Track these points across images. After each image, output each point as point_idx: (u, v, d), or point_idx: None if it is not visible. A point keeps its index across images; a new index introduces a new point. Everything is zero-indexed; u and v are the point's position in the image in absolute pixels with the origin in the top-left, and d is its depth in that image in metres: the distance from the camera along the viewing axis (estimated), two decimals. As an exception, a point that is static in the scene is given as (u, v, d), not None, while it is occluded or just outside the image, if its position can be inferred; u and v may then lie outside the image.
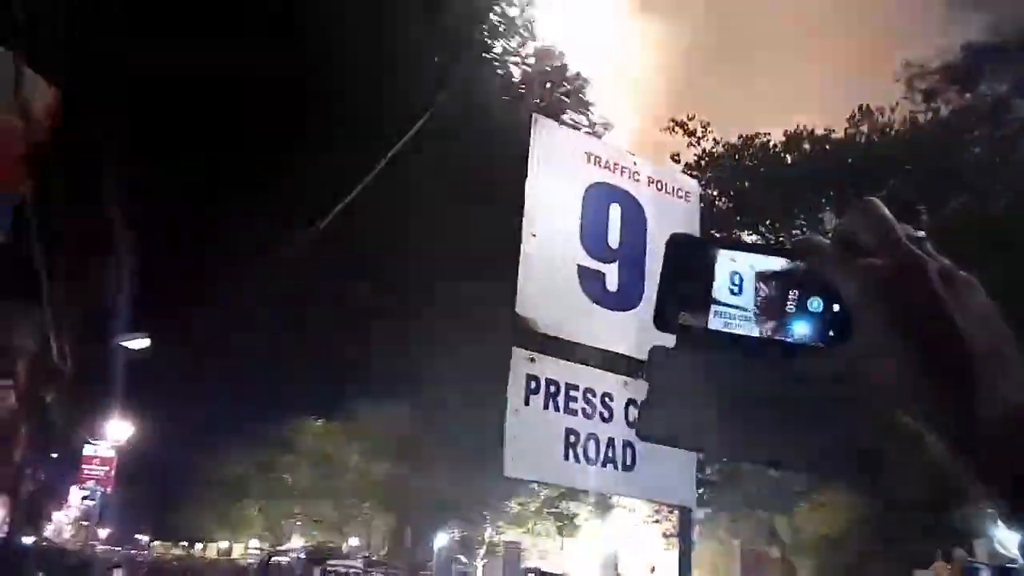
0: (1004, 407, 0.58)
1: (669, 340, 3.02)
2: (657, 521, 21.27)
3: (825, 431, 1.27)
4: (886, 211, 0.67)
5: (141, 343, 19.90)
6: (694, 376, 1.08)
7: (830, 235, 0.69)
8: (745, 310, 0.66)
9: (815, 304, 0.65)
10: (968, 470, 0.61)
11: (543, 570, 26.47)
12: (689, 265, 0.68)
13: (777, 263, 0.68)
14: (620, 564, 17.93)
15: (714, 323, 0.66)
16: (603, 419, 3.50)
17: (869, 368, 0.64)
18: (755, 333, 0.66)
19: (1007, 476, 0.59)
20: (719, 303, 0.66)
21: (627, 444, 3.52)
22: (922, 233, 0.66)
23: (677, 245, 0.70)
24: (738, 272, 0.68)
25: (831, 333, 0.65)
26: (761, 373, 0.92)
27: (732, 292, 0.67)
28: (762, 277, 0.67)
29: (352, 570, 30.28)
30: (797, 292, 0.66)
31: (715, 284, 0.67)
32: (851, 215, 0.68)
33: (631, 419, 3.56)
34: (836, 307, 0.65)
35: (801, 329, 0.65)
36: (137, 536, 43.13)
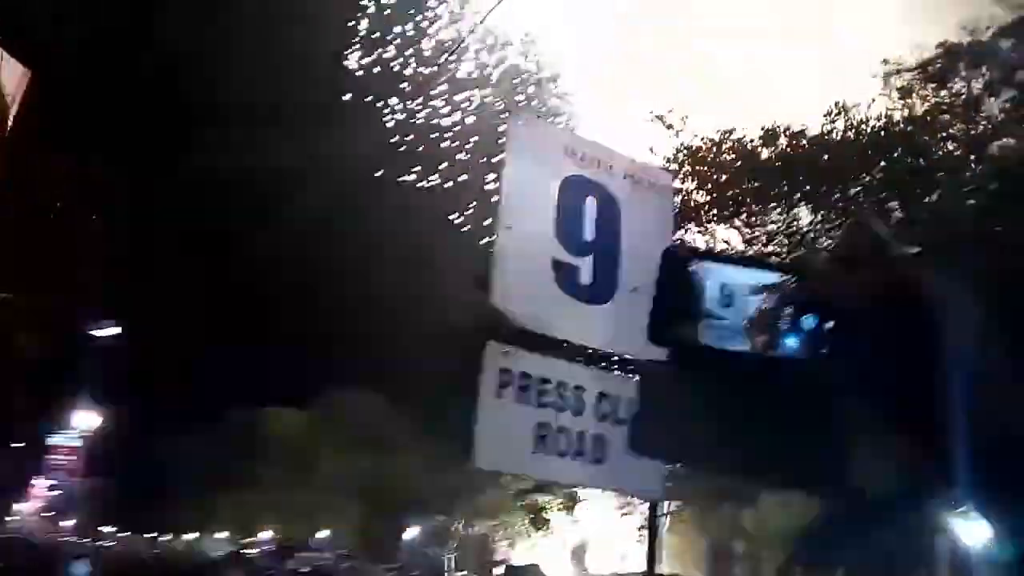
0: (989, 422, 0.57)
1: (642, 334, 2.97)
2: (627, 514, 21.42)
3: (814, 446, 1.26)
4: (883, 230, 0.65)
5: (110, 331, 19.60)
6: (686, 390, 1.06)
7: (823, 250, 0.66)
8: (736, 324, 0.65)
9: (809, 321, 0.64)
10: (946, 479, 0.60)
11: (513, 563, 26.60)
12: (682, 279, 0.67)
13: (770, 278, 0.67)
14: (588, 556, 18.07)
15: (706, 337, 0.65)
16: (574, 412, 3.50)
17: (862, 382, 0.63)
18: (747, 348, 0.65)
19: (992, 490, 0.57)
20: (711, 316, 0.65)
21: (597, 437, 3.52)
22: (916, 249, 0.65)
23: (671, 259, 0.68)
24: (728, 285, 0.66)
25: (824, 349, 0.63)
26: (752, 387, 0.91)
27: (723, 305, 0.66)
28: (755, 292, 0.66)
29: (322, 562, 30.18)
30: (791, 308, 0.65)
31: (707, 298, 0.66)
32: (847, 233, 0.65)
33: (602, 412, 3.56)
34: (830, 323, 0.63)
35: (794, 344, 0.64)
36: (104, 527, 42.60)
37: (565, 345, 3.69)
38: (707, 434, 1.07)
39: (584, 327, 3.60)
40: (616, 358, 3.90)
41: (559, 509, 23.56)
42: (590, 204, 3.67)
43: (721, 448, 1.16)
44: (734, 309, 0.62)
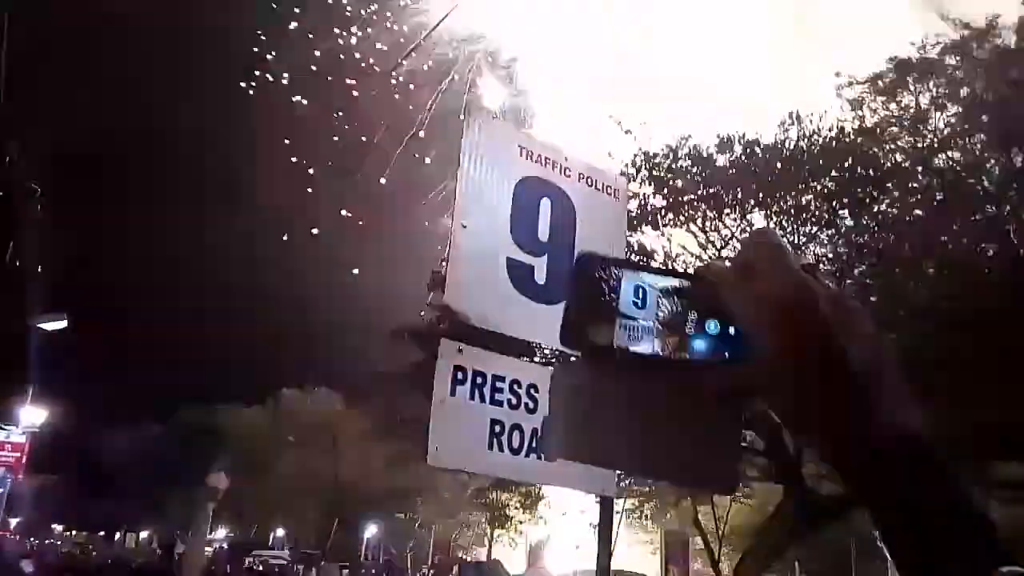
0: (887, 431, 0.62)
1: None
2: (583, 511, 21.67)
3: (720, 447, 1.33)
4: (781, 241, 0.71)
5: (57, 324, 19.08)
6: (598, 392, 1.11)
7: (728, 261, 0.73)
8: (648, 324, 0.69)
9: (712, 326, 0.69)
10: (852, 491, 0.64)
11: (473, 559, 26.59)
12: (596, 283, 0.71)
13: (678, 284, 0.71)
14: (547, 552, 18.16)
15: (620, 339, 0.69)
16: (528, 410, 3.55)
17: (760, 389, 0.67)
18: (658, 350, 0.69)
19: (891, 498, 0.62)
20: (624, 316, 0.69)
21: (551, 435, 3.58)
22: (813, 262, 0.71)
23: (584, 264, 0.73)
24: (642, 286, 0.70)
25: (727, 354, 0.68)
26: (662, 389, 0.97)
27: (636, 306, 0.70)
28: (664, 295, 0.70)
29: (278, 560, 29.80)
30: (696, 313, 0.69)
31: (620, 299, 0.69)
32: (747, 244, 0.71)
33: (555, 410, 3.62)
34: (732, 329, 0.68)
35: (700, 348, 0.68)
36: (53, 526, 41.46)
37: (519, 344, 3.74)
38: (614, 434, 1.12)
39: (538, 326, 3.65)
40: (571, 356, 3.96)
41: (518, 507, 23.65)
42: (545, 205, 3.73)
43: (625, 448, 1.23)
44: (646, 312, 0.65)
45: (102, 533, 41.35)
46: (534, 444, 3.56)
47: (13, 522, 31.67)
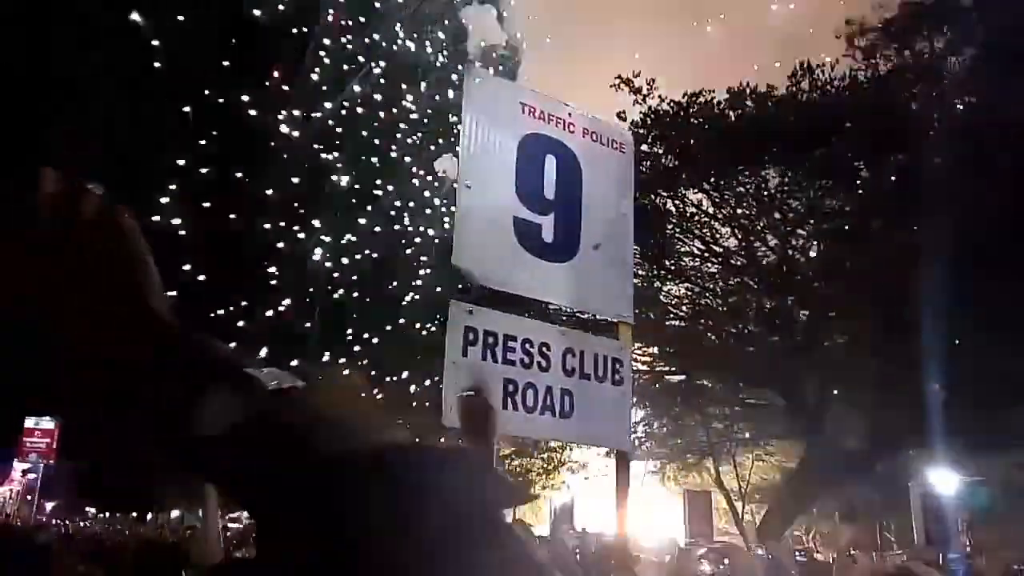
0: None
1: (601, 289, 3.04)
2: (606, 475, 21.71)
3: None
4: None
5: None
6: None
7: None
8: None
9: None
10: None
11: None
12: None
13: None
14: (573, 513, 18.32)
15: None
16: (541, 368, 3.55)
17: None
18: None
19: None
20: None
21: (565, 392, 3.58)
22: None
23: None
24: None
25: None
26: None
27: None
28: None
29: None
30: None
31: None
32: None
33: (568, 368, 3.62)
34: None
35: None
36: (86, 508, 42.43)
37: (529, 303, 3.73)
38: None
39: (547, 284, 3.64)
40: (579, 314, 3.95)
41: (541, 473, 23.86)
42: (550, 162, 3.70)
43: None
44: None
45: (134, 514, 42.25)
46: (548, 402, 3.57)
47: (49, 506, 32.43)
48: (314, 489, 0.51)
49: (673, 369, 16.89)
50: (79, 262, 0.58)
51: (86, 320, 0.58)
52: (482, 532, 0.52)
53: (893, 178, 13.72)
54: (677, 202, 15.46)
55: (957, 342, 12.64)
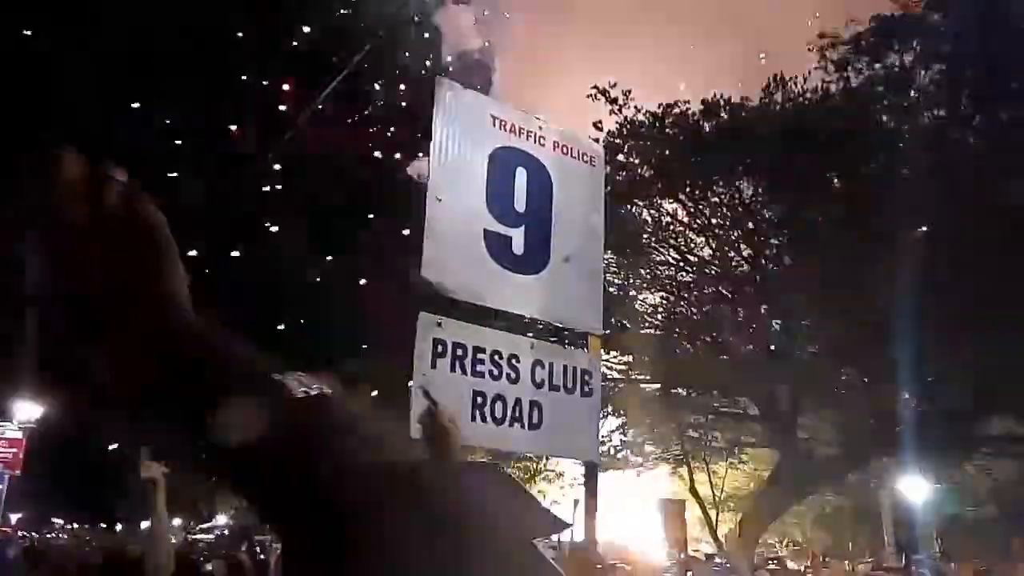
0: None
1: (571, 301, 3.05)
2: (574, 484, 21.78)
3: None
4: None
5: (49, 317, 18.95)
6: None
7: None
8: None
9: None
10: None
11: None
12: None
13: None
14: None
15: None
16: (510, 380, 3.55)
17: None
18: None
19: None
20: None
21: (533, 404, 3.58)
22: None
23: None
24: None
25: None
26: None
27: None
28: None
29: (276, 544, 30.03)
30: None
31: None
32: None
33: (537, 379, 3.62)
34: None
35: None
36: (54, 520, 41.64)
37: (498, 315, 3.73)
38: None
39: (517, 297, 3.64)
40: (549, 326, 3.96)
41: (521, 480, 23.82)
42: (521, 175, 3.71)
43: None
44: None
45: (103, 525, 41.48)
46: (517, 414, 3.57)
47: (14, 518, 31.74)
48: (346, 502, 0.49)
49: (648, 377, 16.97)
50: (104, 248, 0.56)
51: (111, 308, 0.56)
52: (519, 556, 0.51)
53: (864, 188, 13.92)
54: (652, 211, 15.59)
55: (928, 351, 12.84)
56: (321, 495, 0.50)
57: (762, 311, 15.49)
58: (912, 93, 14.36)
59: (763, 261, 15.67)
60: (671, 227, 15.72)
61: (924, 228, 12.88)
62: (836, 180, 14.65)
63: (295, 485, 0.51)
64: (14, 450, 23.92)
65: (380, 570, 0.47)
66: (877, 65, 14.76)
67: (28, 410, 24.49)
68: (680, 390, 17.31)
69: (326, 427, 0.55)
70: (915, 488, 17.93)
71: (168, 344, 0.56)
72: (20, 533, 25.47)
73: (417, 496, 0.50)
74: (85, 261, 0.56)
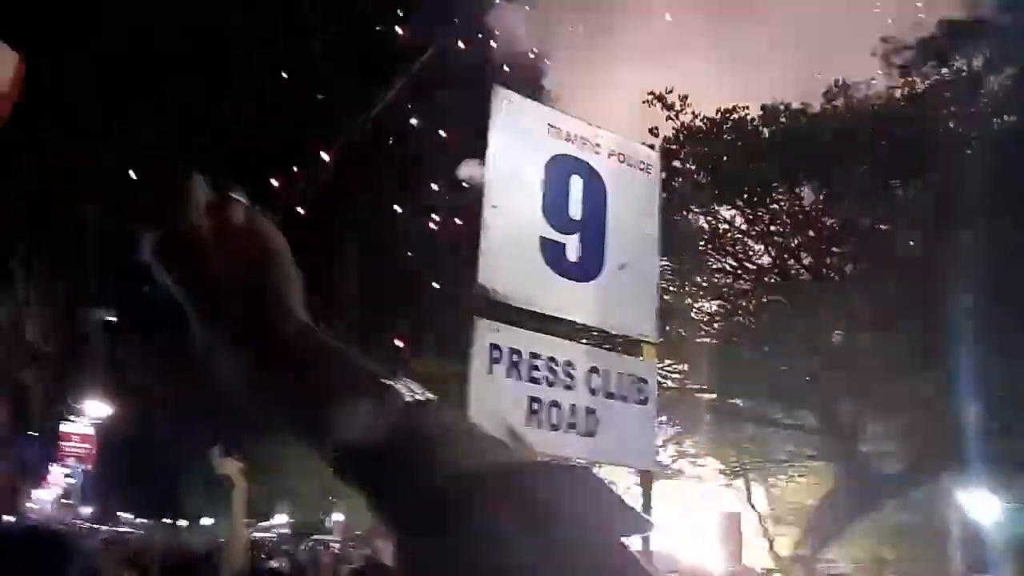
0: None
1: (628, 309, 3.08)
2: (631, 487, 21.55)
3: None
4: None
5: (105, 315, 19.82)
6: None
7: None
8: None
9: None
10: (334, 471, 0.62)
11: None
12: None
13: None
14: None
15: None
16: (565, 387, 3.57)
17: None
18: None
19: (367, 476, 0.59)
20: None
21: (589, 411, 3.60)
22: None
23: None
24: None
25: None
26: None
27: None
28: None
29: (335, 545, 30.50)
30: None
31: None
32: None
33: (593, 387, 3.64)
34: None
35: None
36: (121, 514, 43.15)
37: (554, 322, 3.76)
38: None
39: (572, 303, 3.67)
40: (605, 333, 3.97)
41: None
42: (576, 182, 3.74)
43: None
44: None
45: (167, 520, 42.76)
46: (572, 420, 3.59)
47: (87, 511, 33.03)
48: (453, 504, 0.52)
49: (704, 387, 16.74)
50: (229, 261, 0.63)
51: (238, 315, 0.63)
52: (614, 556, 0.52)
53: (930, 196, 13.50)
54: (709, 218, 15.39)
55: (997, 364, 12.35)
56: (437, 493, 0.53)
57: (823, 321, 15.13)
58: (982, 99, 13.87)
59: (824, 270, 15.31)
60: (728, 234, 15.49)
61: (992, 238, 12.43)
62: (900, 187, 14.24)
63: (415, 480, 0.55)
64: (86, 446, 24.98)
65: (490, 561, 0.50)
66: (944, 70, 14.32)
67: (98, 407, 25.53)
68: (737, 401, 17.01)
69: (438, 427, 0.59)
70: (985, 506, 17.23)
71: (289, 348, 0.62)
72: (90, 526, 26.47)
73: (520, 494, 0.52)
74: (215, 274, 0.63)
